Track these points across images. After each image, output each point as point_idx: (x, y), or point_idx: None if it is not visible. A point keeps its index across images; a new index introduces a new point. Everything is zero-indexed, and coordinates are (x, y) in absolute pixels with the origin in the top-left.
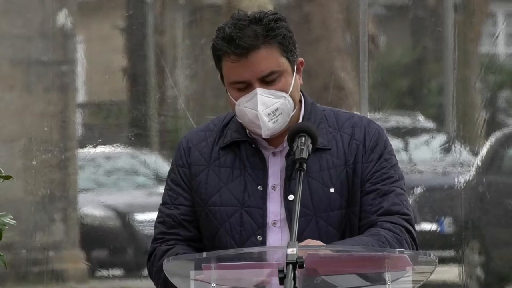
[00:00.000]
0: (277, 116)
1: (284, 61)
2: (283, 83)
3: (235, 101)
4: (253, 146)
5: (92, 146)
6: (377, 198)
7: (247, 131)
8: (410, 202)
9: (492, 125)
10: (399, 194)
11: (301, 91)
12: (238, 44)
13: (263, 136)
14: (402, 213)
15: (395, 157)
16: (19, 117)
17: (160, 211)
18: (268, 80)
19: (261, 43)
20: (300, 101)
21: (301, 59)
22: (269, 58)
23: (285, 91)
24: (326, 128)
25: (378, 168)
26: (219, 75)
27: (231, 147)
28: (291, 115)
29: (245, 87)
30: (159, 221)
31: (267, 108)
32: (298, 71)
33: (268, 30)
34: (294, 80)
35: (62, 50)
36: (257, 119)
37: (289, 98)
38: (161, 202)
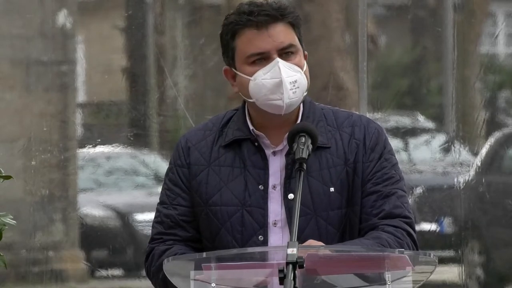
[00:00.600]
0: (295, 88)
1: (297, 40)
2: (298, 59)
3: (249, 77)
4: (256, 144)
5: (91, 146)
6: (378, 200)
7: (250, 128)
8: (410, 203)
9: (492, 125)
10: (400, 196)
11: None
12: (259, 13)
13: (283, 105)
14: (404, 216)
15: (395, 156)
16: (19, 117)
17: (158, 211)
18: (286, 53)
19: (280, 16)
20: None
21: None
22: (287, 31)
23: (301, 67)
24: (325, 126)
25: (379, 168)
26: (229, 59)
27: (231, 146)
28: (305, 94)
29: (263, 60)
30: (157, 221)
31: (289, 77)
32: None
33: (282, 8)
34: (305, 64)
35: (62, 50)
36: (279, 87)
37: (304, 76)
38: (159, 201)
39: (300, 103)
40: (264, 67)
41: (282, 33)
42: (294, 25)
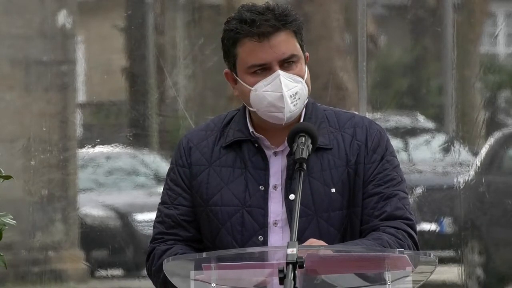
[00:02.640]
0: (296, 100)
1: (299, 48)
2: (299, 68)
3: (250, 87)
4: (256, 145)
5: (91, 146)
6: (380, 202)
7: (250, 130)
8: (411, 204)
9: (492, 125)
10: (402, 198)
11: None
12: (261, 25)
13: (284, 118)
14: (405, 218)
15: (397, 158)
16: (18, 117)
17: (159, 211)
18: (287, 63)
19: (282, 26)
20: None
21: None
22: (289, 41)
23: (302, 76)
24: (327, 128)
25: (381, 170)
26: (231, 64)
27: (232, 147)
28: (305, 103)
29: (264, 70)
30: (158, 221)
31: (289, 90)
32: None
33: (285, 16)
34: (307, 69)
35: (61, 50)
36: (280, 101)
37: (305, 85)
38: (160, 201)
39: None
40: (265, 79)
41: (283, 43)
42: (297, 32)
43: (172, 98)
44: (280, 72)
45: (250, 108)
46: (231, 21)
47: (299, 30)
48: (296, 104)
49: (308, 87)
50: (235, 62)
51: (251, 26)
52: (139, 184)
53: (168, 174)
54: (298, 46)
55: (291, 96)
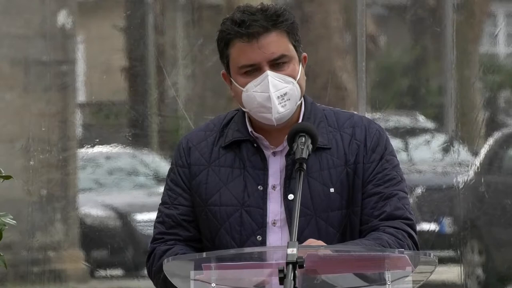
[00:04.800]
0: (285, 101)
1: (292, 48)
2: (291, 69)
3: (242, 88)
4: (255, 145)
5: (91, 146)
6: (379, 202)
7: (249, 130)
8: (410, 204)
9: (492, 125)
10: (401, 198)
11: None
12: (249, 25)
13: (273, 119)
14: (405, 218)
15: (396, 157)
16: (18, 117)
17: (159, 211)
18: (278, 63)
19: (272, 27)
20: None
21: (304, 54)
22: (279, 41)
23: (294, 77)
24: (326, 127)
25: (380, 170)
26: (225, 65)
27: (231, 147)
28: (298, 103)
29: (254, 71)
30: (158, 221)
31: (277, 91)
32: (302, 65)
33: (278, 16)
34: (301, 71)
35: (61, 50)
36: (268, 101)
37: (297, 85)
38: (160, 201)
39: (301, 105)
40: (255, 79)
41: (273, 44)
42: (289, 32)
43: (172, 98)
44: (268, 72)
45: (243, 109)
46: (225, 22)
47: (292, 30)
48: (285, 105)
49: (301, 87)
50: (228, 63)
51: (241, 27)
52: (138, 184)
53: (168, 174)
54: (290, 46)
55: (278, 97)
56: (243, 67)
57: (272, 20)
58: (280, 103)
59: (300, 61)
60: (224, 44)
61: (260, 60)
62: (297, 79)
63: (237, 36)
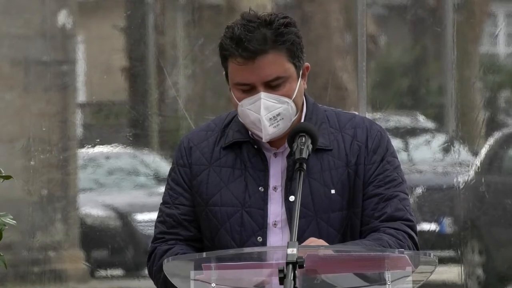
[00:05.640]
0: (278, 121)
1: (290, 67)
2: (287, 88)
3: (238, 102)
4: (255, 146)
5: (91, 146)
6: (380, 203)
7: (250, 133)
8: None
9: (492, 125)
10: (402, 199)
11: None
12: (246, 47)
13: (263, 140)
14: (405, 219)
15: (398, 159)
16: (18, 117)
17: (160, 211)
18: (273, 85)
19: (270, 48)
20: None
21: (307, 64)
22: (276, 63)
23: (289, 96)
24: (328, 128)
25: (381, 171)
26: (224, 73)
27: (232, 147)
28: (293, 120)
29: (249, 89)
30: (159, 221)
31: (269, 113)
32: (303, 76)
33: (278, 35)
34: (299, 86)
35: (62, 50)
36: (259, 123)
37: (292, 104)
38: (161, 201)
39: (303, 106)
40: (249, 97)
41: (270, 65)
42: (289, 50)
43: (172, 98)
44: (262, 94)
45: (240, 120)
46: (226, 35)
47: (292, 48)
48: (278, 125)
49: (297, 104)
50: (227, 73)
51: (238, 46)
52: (139, 184)
53: (169, 174)
54: (288, 65)
55: (271, 118)
56: (237, 85)
57: (272, 40)
58: (272, 123)
59: (299, 76)
60: (222, 57)
61: (254, 81)
62: (293, 97)
63: (232, 55)
